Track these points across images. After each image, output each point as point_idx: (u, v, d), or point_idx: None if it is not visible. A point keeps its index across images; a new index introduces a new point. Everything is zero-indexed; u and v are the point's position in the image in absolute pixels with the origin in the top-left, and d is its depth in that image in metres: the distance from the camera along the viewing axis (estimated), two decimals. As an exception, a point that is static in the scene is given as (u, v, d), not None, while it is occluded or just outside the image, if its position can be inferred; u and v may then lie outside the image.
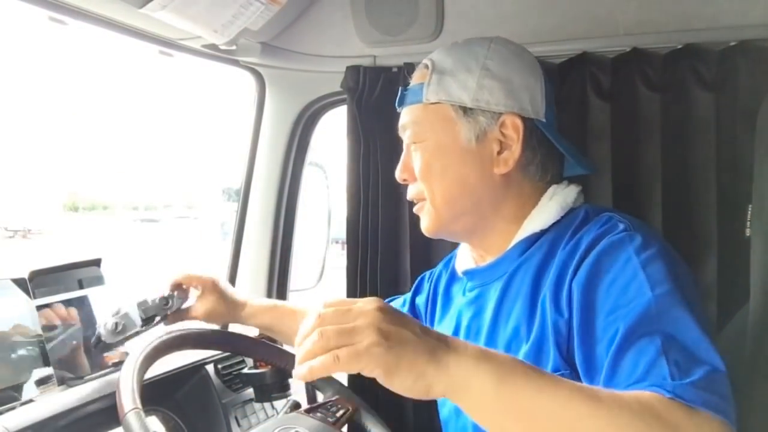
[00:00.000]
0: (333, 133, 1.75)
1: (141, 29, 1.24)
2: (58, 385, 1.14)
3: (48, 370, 1.13)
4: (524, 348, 0.82)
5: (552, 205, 0.90)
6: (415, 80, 0.96)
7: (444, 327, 1.02)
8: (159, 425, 1.19)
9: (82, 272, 1.28)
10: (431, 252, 1.45)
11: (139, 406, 0.85)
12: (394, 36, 1.39)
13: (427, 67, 0.94)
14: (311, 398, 1.42)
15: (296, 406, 1.28)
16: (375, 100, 1.43)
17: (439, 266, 1.14)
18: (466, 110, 0.90)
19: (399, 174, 0.97)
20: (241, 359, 1.40)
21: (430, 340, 0.62)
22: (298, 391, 1.32)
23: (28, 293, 1.15)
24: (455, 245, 1.43)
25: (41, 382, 1.11)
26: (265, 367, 1.26)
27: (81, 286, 1.26)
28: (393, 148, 1.45)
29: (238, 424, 1.30)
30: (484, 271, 0.95)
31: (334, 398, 1.14)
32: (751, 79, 1.15)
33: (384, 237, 1.46)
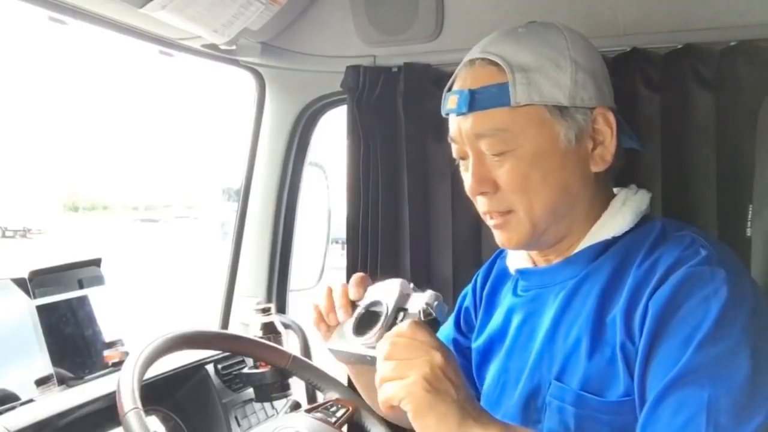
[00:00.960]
0: (333, 133, 1.75)
1: (141, 29, 1.24)
2: (58, 385, 1.14)
3: (48, 370, 1.13)
4: (584, 364, 0.78)
5: (626, 211, 0.85)
6: (480, 81, 0.83)
7: (490, 327, 0.98)
8: (159, 425, 1.19)
9: (82, 272, 1.28)
10: (431, 252, 1.45)
11: (139, 406, 0.85)
12: (394, 36, 1.39)
13: (494, 63, 0.83)
14: (311, 398, 1.42)
15: (296, 406, 1.28)
16: (375, 100, 1.43)
17: (486, 265, 1.08)
18: (562, 110, 0.82)
19: (476, 188, 0.85)
20: (241, 359, 1.40)
21: (466, 407, 0.68)
22: (297, 391, 1.32)
23: (28, 293, 1.15)
24: (457, 246, 1.44)
25: (41, 382, 1.11)
26: (265, 367, 1.26)
27: (81, 286, 1.26)
28: (393, 148, 1.45)
29: (238, 424, 1.30)
30: (545, 273, 0.89)
31: (334, 398, 1.14)
32: (751, 79, 1.14)
33: (384, 237, 1.46)
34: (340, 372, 1.35)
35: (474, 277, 1.09)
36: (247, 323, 1.48)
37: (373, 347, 0.77)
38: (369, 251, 1.46)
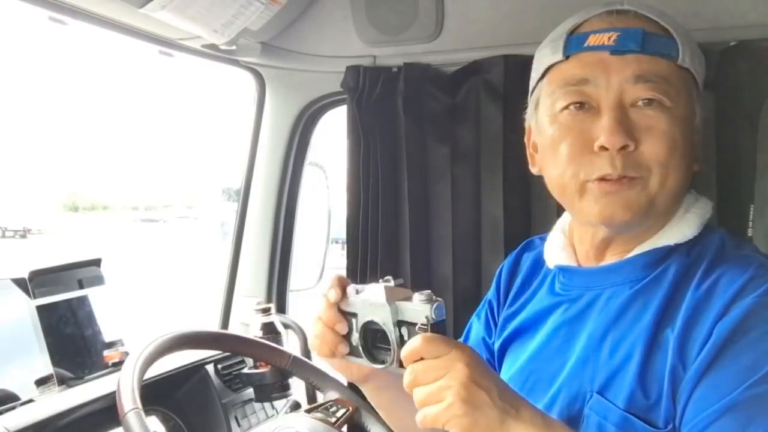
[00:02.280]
0: (333, 133, 1.75)
1: (141, 29, 1.24)
2: (58, 385, 1.14)
3: (48, 370, 1.13)
4: (631, 382, 0.73)
5: (690, 219, 0.79)
6: (645, 26, 0.75)
7: (516, 322, 0.93)
8: (159, 425, 1.19)
9: (82, 272, 1.28)
10: (431, 252, 1.45)
11: (139, 406, 0.85)
12: (394, 36, 1.39)
13: (652, 20, 0.76)
14: (311, 398, 1.42)
15: (296, 406, 1.28)
16: (375, 100, 1.43)
17: (510, 258, 1.02)
18: (698, 92, 0.77)
19: (620, 138, 0.72)
20: (241, 359, 1.40)
21: (504, 406, 0.65)
22: (297, 391, 1.32)
23: (28, 293, 1.15)
24: (457, 246, 1.43)
25: (41, 382, 1.11)
26: (265, 367, 1.26)
27: (81, 286, 1.26)
28: (393, 148, 1.45)
29: (238, 424, 1.30)
30: (593, 273, 0.83)
31: (334, 398, 1.14)
32: (751, 79, 1.15)
33: (384, 237, 1.46)
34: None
35: (498, 271, 1.03)
36: (247, 323, 1.48)
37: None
38: (369, 251, 1.46)
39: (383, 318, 0.74)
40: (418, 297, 0.71)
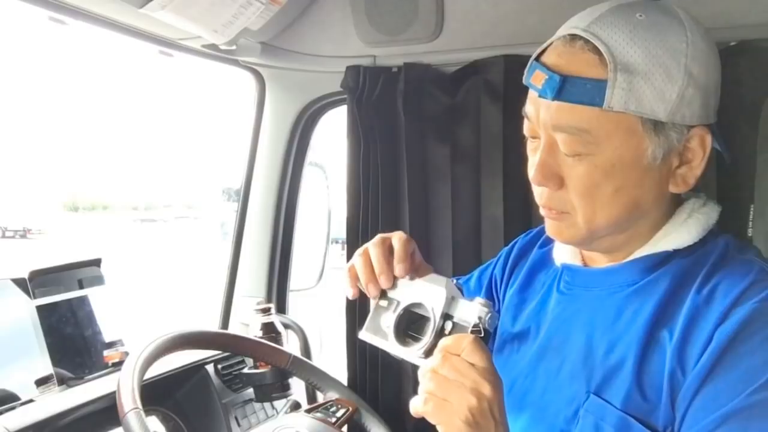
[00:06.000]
0: (333, 133, 1.75)
1: (141, 29, 1.24)
2: (58, 385, 1.14)
3: (48, 370, 1.13)
4: (628, 384, 0.73)
5: (692, 224, 0.78)
6: (576, 68, 0.72)
7: (526, 315, 0.92)
8: (159, 425, 1.19)
9: (82, 272, 1.28)
10: (431, 252, 1.45)
11: (139, 406, 0.85)
12: (394, 36, 1.39)
13: (597, 52, 0.71)
14: (311, 398, 1.42)
15: (296, 406, 1.28)
16: (375, 100, 1.43)
17: (525, 240, 1.02)
18: (657, 124, 0.72)
19: (539, 180, 0.77)
20: (241, 359, 1.40)
21: None
22: (298, 391, 1.32)
23: (28, 293, 1.15)
24: (457, 246, 1.43)
25: (41, 382, 1.11)
26: (265, 367, 1.26)
27: (81, 286, 1.26)
28: (393, 148, 1.45)
29: (238, 424, 1.30)
30: (594, 274, 0.84)
31: (334, 398, 1.14)
32: (751, 79, 1.14)
33: (384, 237, 1.45)
34: (340, 372, 1.35)
35: (510, 245, 1.02)
36: (247, 323, 1.48)
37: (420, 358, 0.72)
38: (369, 251, 1.46)
39: (433, 302, 0.74)
40: (477, 300, 0.71)
